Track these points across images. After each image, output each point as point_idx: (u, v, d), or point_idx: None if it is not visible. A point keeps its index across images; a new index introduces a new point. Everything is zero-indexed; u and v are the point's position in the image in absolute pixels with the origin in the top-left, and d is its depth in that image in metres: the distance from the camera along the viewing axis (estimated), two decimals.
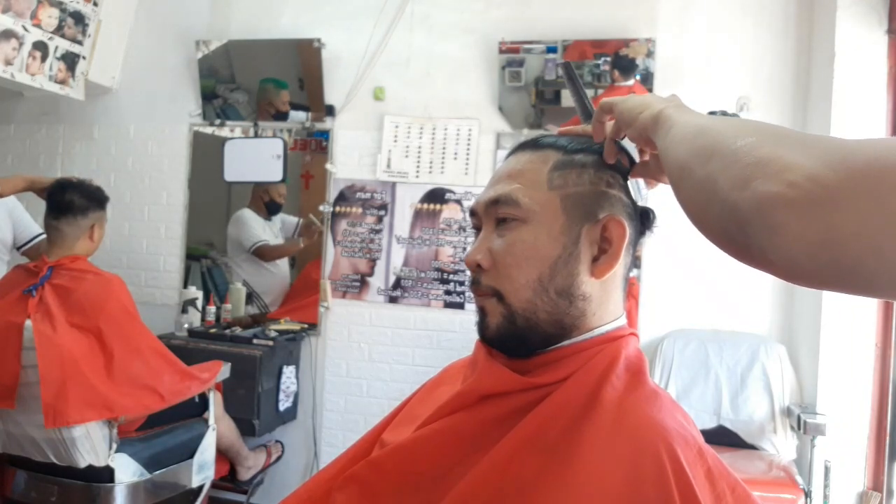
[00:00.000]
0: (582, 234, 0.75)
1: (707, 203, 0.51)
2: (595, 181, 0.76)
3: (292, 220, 3.35)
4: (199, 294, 3.21)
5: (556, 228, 0.74)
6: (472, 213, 0.82)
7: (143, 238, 3.44)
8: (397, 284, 3.14)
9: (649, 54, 2.81)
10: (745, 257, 0.49)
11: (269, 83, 3.29)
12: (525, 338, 0.75)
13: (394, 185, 3.14)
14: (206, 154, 3.37)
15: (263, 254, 3.34)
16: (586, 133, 0.80)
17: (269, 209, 3.36)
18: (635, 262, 3.11)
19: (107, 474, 2.05)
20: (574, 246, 0.74)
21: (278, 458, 3.08)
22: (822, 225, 0.41)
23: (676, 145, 0.59)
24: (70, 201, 2.12)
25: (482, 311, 0.78)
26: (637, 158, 0.78)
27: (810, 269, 0.43)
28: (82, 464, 2.00)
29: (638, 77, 2.82)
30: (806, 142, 0.46)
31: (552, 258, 0.74)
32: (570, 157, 0.77)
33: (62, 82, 3.11)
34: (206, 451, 2.39)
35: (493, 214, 0.77)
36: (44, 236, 2.56)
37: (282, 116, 3.28)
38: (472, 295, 0.82)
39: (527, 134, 2.95)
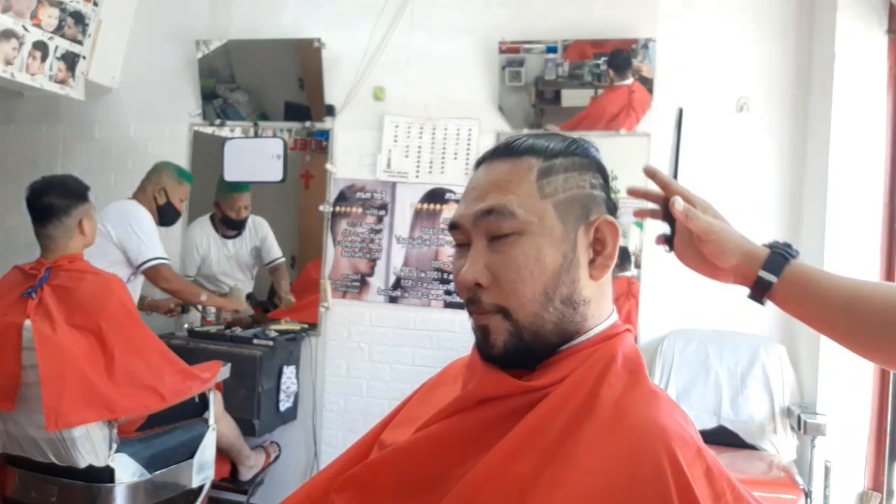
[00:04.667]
0: (578, 238, 0.75)
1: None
2: (581, 184, 0.76)
3: (276, 250, 3.29)
4: None
5: (555, 237, 0.73)
6: (454, 226, 0.78)
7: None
8: (397, 284, 3.14)
9: (649, 55, 2.80)
10: None
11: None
12: (533, 351, 0.74)
13: (394, 185, 3.14)
14: (206, 154, 3.37)
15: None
16: (654, 197, 0.83)
17: (228, 225, 3.27)
18: (635, 263, 3.08)
19: (107, 474, 2.05)
20: (573, 252, 0.74)
21: (276, 459, 3.08)
22: None
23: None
24: (49, 205, 2.06)
25: (484, 331, 0.75)
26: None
27: None
28: (82, 464, 2.00)
29: (636, 76, 2.82)
30: None
31: (555, 268, 0.73)
32: (551, 162, 0.76)
33: (62, 82, 3.11)
34: (207, 451, 2.39)
35: (485, 228, 0.74)
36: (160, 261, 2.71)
37: (234, 224, 3.24)
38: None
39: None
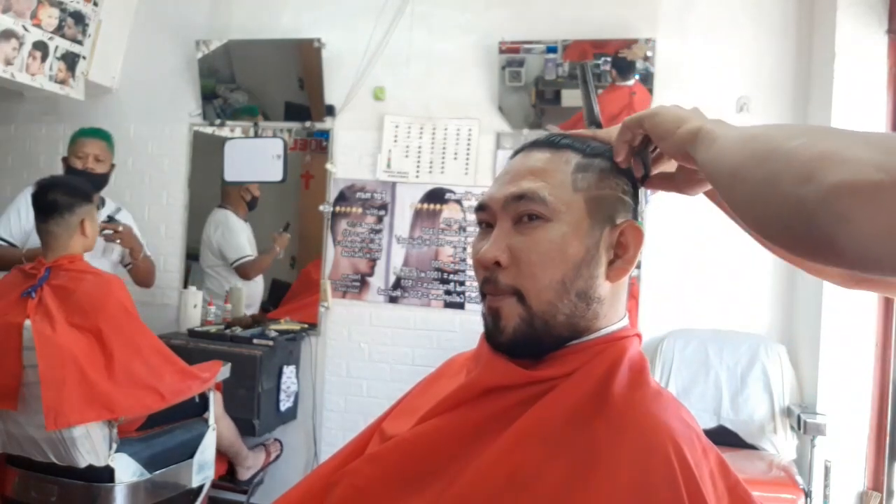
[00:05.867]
0: (602, 237, 0.75)
1: (766, 203, 0.51)
2: (614, 186, 0.77)
3: None
4: (200, 294, 3.21)
5: (581, 230, 0.74)
6: (482, 207, 0.79)
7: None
8: (397, 284, 3.14)
9: (649, 55, 2.81)
10: (810, 252, 0.49)
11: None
12: (541, 340, 0.74)
13: (394, 185, 3.14)
14: (206, 154, 3.37)
15: (246, 272, 3.30)
16: (596, 137, 0.80)
17: (250, 206, 3.37)
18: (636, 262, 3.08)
19: (107, 474, 2.05)
20: (596, 249, 0.75)
21: (277, 457, 3.08)
22: (891, 210, 0.42)
23: (724, 153, 0.59)
24: (53, 201, 2.09)
25: (496, 314, 0.75)
26: (651, 171, 0.78)
27: (881, 255, 0.43)
28: (82, 464, 2.00)
29: (637, 77, 2.82)
30: (858, 135, 0.47)
31: (576, 259, 0.73)
32: (590, 160, 0.77)
33: (62, 82, 3.11)
34: (207, 450, 2.39)
35: (513, 211, 0.75)
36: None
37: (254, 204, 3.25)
38: (479, 297, 0.79)
39: (527, 134, 2.95)
